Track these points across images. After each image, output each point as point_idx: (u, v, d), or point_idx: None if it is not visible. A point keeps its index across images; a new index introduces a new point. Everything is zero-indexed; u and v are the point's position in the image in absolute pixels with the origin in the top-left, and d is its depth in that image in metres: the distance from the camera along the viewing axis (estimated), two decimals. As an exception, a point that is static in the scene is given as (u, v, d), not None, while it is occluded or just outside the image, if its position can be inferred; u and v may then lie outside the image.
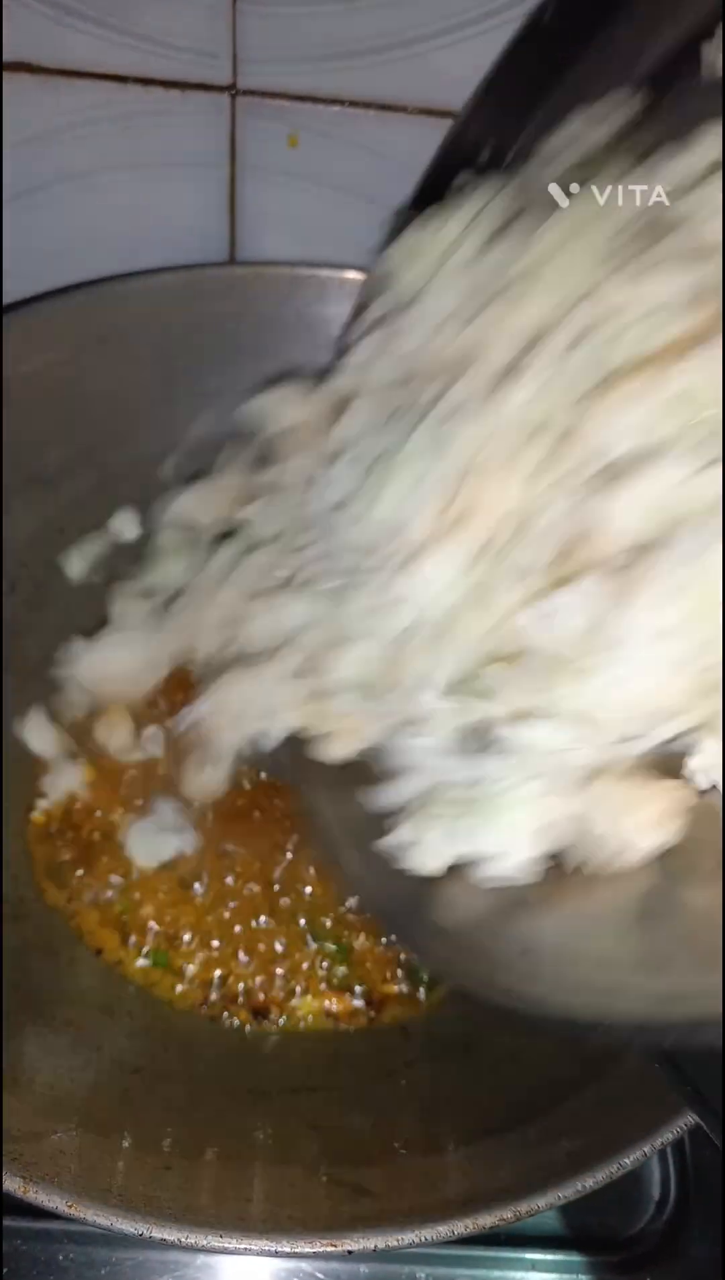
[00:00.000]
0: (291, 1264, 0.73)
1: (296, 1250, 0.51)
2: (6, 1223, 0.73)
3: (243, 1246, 0.52)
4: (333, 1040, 0.73)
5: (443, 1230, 0.52)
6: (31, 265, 0.99)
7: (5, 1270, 0.73)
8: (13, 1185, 0.53)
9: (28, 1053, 0.66)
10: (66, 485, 0.93)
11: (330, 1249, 0.52)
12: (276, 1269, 0.73)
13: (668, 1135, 0.55)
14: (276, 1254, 0.52)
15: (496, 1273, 0.75)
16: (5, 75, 0.88)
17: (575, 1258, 0.76)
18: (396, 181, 0.91)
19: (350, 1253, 0.52)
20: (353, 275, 0.94)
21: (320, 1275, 0.73)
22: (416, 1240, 0.52)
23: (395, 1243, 0.52)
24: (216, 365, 0.98)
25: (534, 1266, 0.75)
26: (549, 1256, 0.76)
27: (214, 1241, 0.52)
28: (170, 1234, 0.52)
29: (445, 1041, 0.73)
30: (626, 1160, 0.54)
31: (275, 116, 0.89)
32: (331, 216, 0.95)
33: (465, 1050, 0.72)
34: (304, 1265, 0.73)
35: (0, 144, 0.92)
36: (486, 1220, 0.52)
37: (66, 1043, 0.68)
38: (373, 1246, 0.52)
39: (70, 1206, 0.52)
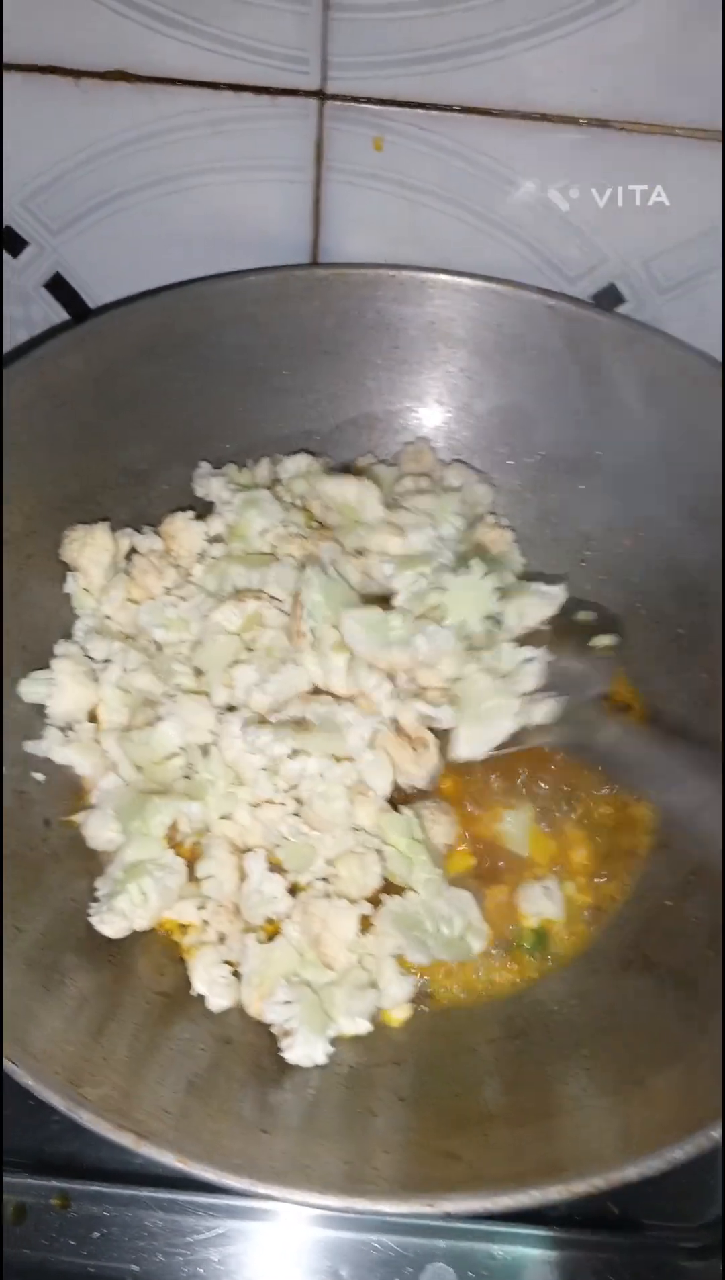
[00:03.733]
0: (367, 1235, 0.75)
1: (396, 1210, 0.53)
2: (103, 1188, 0.76)
3: (344, 1205, 0.54)
4: (415, 1017, 0.75)
5: (537, 1195, 0.54)
6: (122, 267, 1.03)
7: (98, 1234, 0.76)
8: (125, 1140, 0.56)
9: (127, 1015, 0.68)
10: (157, 479, 0.96)
11: (427, 1209, 0.53)
12: (352, 1241, 0.75)
13: (756, 1111, 0.56)
14: (376, 1214, 0.53)
15: (570, 1253, 0.76)
16: (103, 84, 0.91)
17: (647, 1241, 0.77)
18: (481, 185, 0.94)
19: (448, 1215, 0.53)
20: (433, 277, 0.96)
21: (395, 1248, 0.75)
22: (511, 1205, 0.54)
23: (491, 1205, 0.54)
24: (298, 365, 1.00)
25: (600, 1248, 0.76)
26: (621, 1240, 0.77)
27: (315, 1199, 0.54)
28: (276, 1190, 0.54)
29: (525, 1019, 0.74)
30: (715, 1132, 0.55)
31: (361, 120, 0.92)
32: (414, 219, 0.97)
33: (545, 1029, 0.73)
34: (382, 1238, 0.75)
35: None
36: (579, 1187, 0.54)
37: (162, 1006, 0.71)
38: (469, 1209, 0.54)
39: (179, 1160, 0.55)
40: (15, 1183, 0.77)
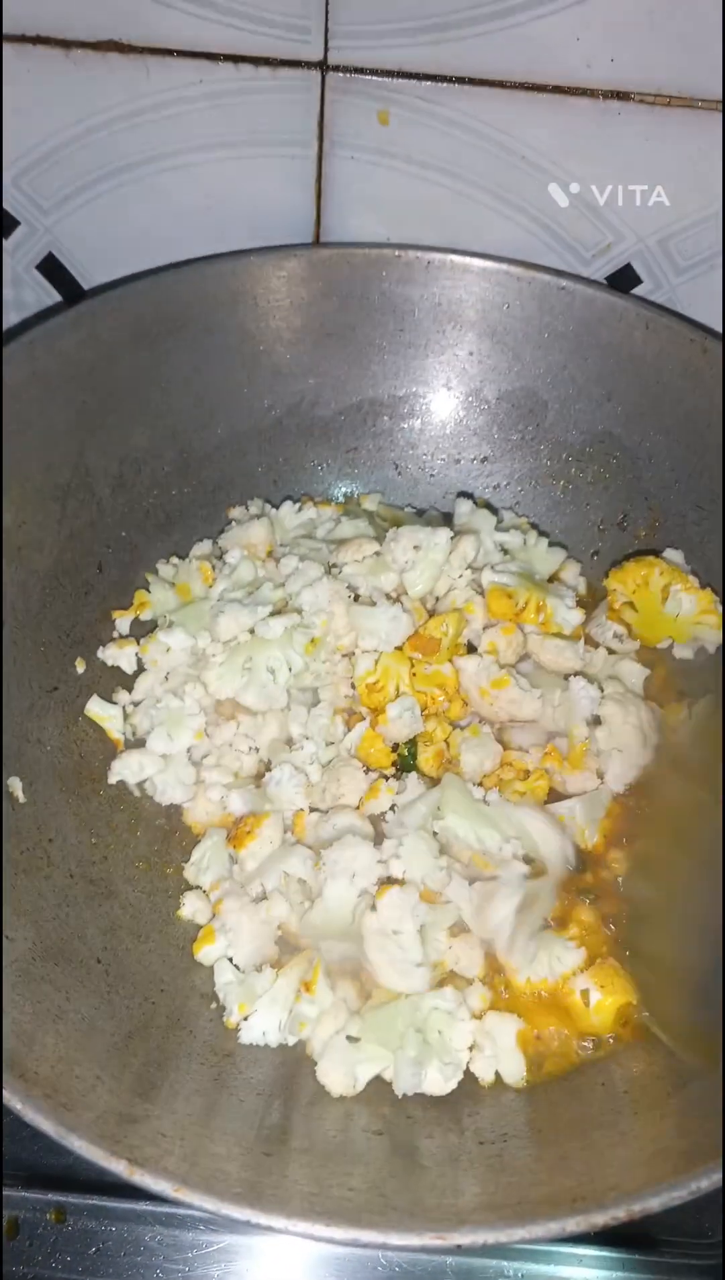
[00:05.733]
0: (374, 1251, 0.72)
1: (406, 1244, 0.50)
2: (100, 1202, 0.73)
3: (351, 1237, 0.51)
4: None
5: (554, 1227, 0.51)
6: (117, 247, 0.99)
7: (95, 1249, 0.74)
8: (118, 1168, 0.53)
9: (120, 1034, 0.66)
10: (155, 467, 0.93)
11: (439, 1242, 0.51)
12: (358, 1256, 0.72)
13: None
14: (384, 1247, 0.51)
15: (583, 1269, 0.73)
16: (95, 54, 0.87)
17: (662, 1258, 0.74)
18: (490, 160, 0.90)
19: (459, 1247, 0.51)
20: (440, 257, 0.93)
21: (402, 1264, 0.72)
22: (526, 1236, 0.51)
23: (505, 1239, 0.51)
24: (300, 348, 0.97)
25: (614, 1265, 0.73)
26: (636, 1256, 0.73)
27: (320, 1231, 0.51)
28: (277, 1222, 0.51)
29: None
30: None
31: (366, 92, 0.88)
32: (420, 196, 0.94)
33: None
34: (390, 1253, 0.73)
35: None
36: (598, 1219, 0.51)
37: (162, 1026, 0.68)
38: (482, 1242, 0.51)
39: (177, 1190, 0.52)
40: (10, 1195, 0.74)
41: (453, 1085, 0.68)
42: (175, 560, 0.94)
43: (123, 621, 0.90)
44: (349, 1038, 0.69)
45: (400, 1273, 0.73)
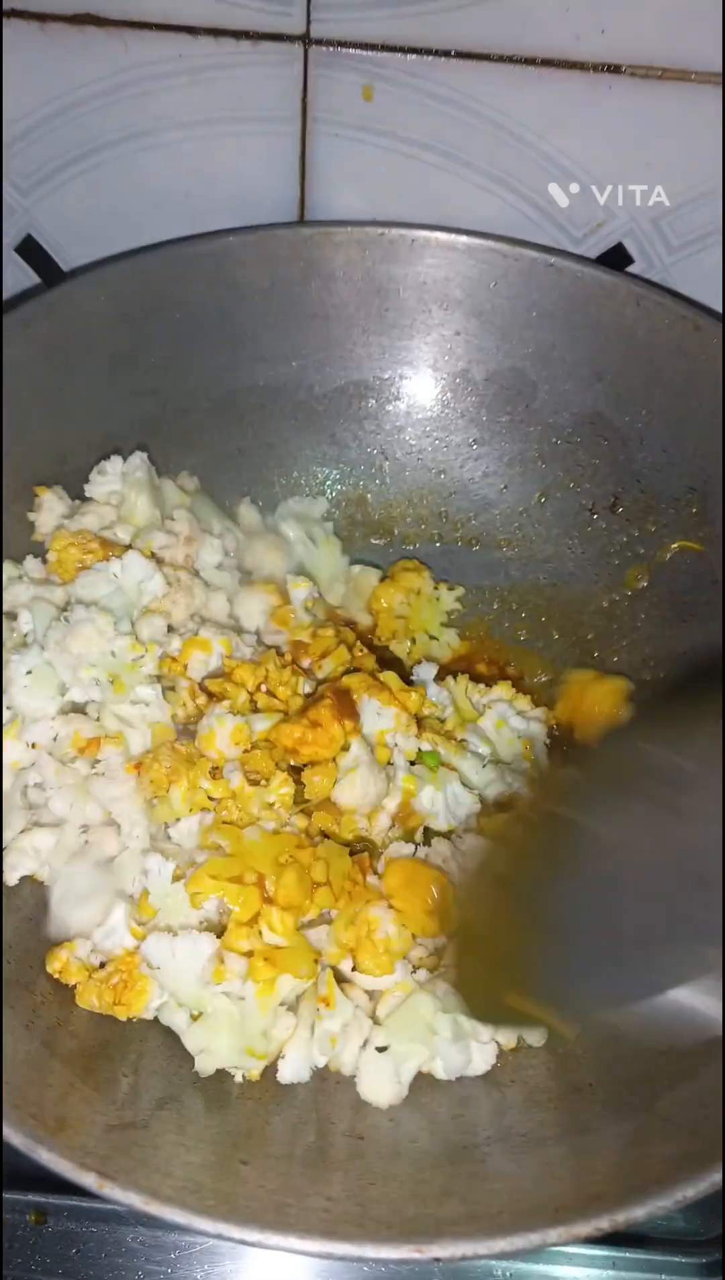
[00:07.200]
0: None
1: (381, 1257, 0.49)
2: (80, 1203, 0.72)
3: (325, 1250, 0.50)
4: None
5: (534, 1238, 0.50)
6: (95, 227, 0.97)
7: (75, 1251, 0.73)
8: (87, 1181, 0.51)
9: (97, 1042, 0.64)
10: (127, 454, 0.90)
11: (416, 1255, 0.49)
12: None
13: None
14: (360, 1259, 0.49)
15: (572, 1268, 0.72)
16: (72, 28, 0.85)
17: (652, 1257, 0.73)
18: (478, 136, 0.88)
19: (437, 1260, 0.49)
20: (426, 235, 0.91)
21: (391, 1264, 0.71)
22: (506, 1249, 0.50)
23: (484, 1251, 0.50)
24: (283, 330, 0.95)
25: (604, 1263, 0.72)
26: (626, 1255, 0.72)
27: (293, 1244, 0.50)
28: (251, 1235, 0.50)
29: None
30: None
31: (350, 67, 0.86)
32: (406, 173, 0.91)
33: (548, 1046, 0.69)
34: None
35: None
36: (581, 1230, 0.50)
37: (134, 1031, 0.67)
38: (461, 1254, 0.49)
39: (147, 1204, 0.50)
40: (-11, 1197, 0.74)
41: (493, 1059, 0.67)
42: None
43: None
44: (378, 1049, 0.67)
45: (388, 1273, 0.72)
